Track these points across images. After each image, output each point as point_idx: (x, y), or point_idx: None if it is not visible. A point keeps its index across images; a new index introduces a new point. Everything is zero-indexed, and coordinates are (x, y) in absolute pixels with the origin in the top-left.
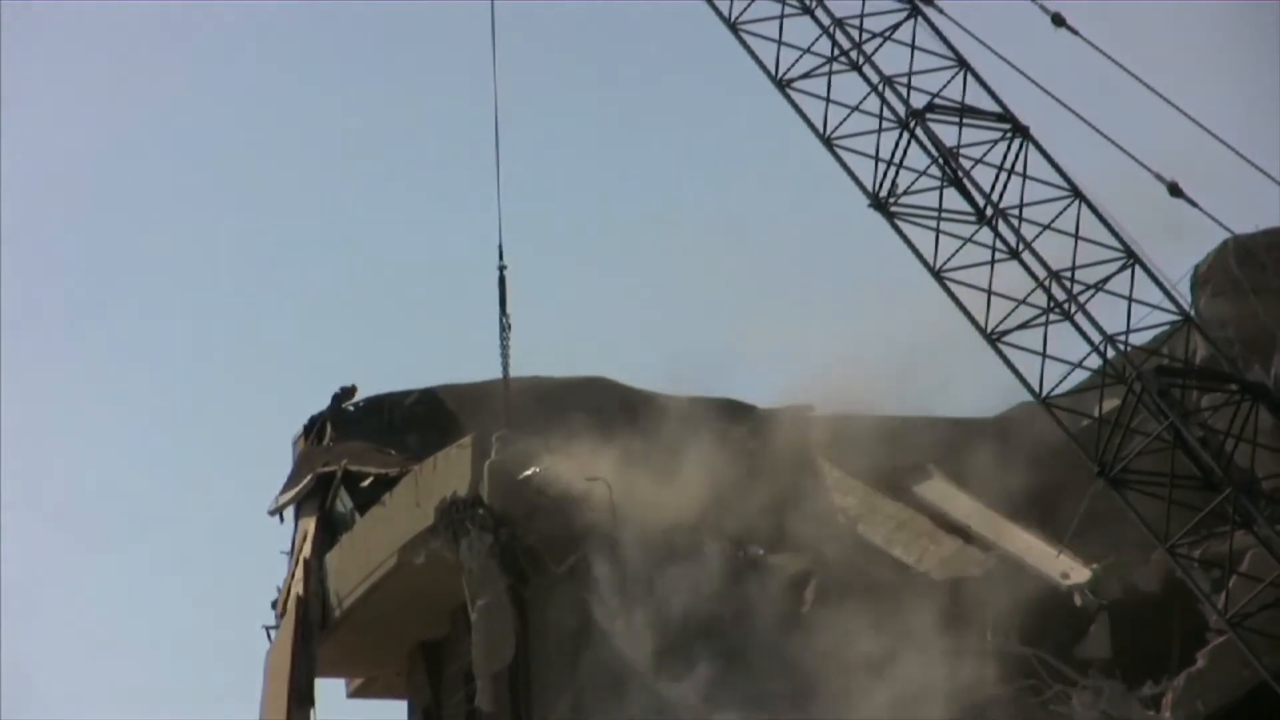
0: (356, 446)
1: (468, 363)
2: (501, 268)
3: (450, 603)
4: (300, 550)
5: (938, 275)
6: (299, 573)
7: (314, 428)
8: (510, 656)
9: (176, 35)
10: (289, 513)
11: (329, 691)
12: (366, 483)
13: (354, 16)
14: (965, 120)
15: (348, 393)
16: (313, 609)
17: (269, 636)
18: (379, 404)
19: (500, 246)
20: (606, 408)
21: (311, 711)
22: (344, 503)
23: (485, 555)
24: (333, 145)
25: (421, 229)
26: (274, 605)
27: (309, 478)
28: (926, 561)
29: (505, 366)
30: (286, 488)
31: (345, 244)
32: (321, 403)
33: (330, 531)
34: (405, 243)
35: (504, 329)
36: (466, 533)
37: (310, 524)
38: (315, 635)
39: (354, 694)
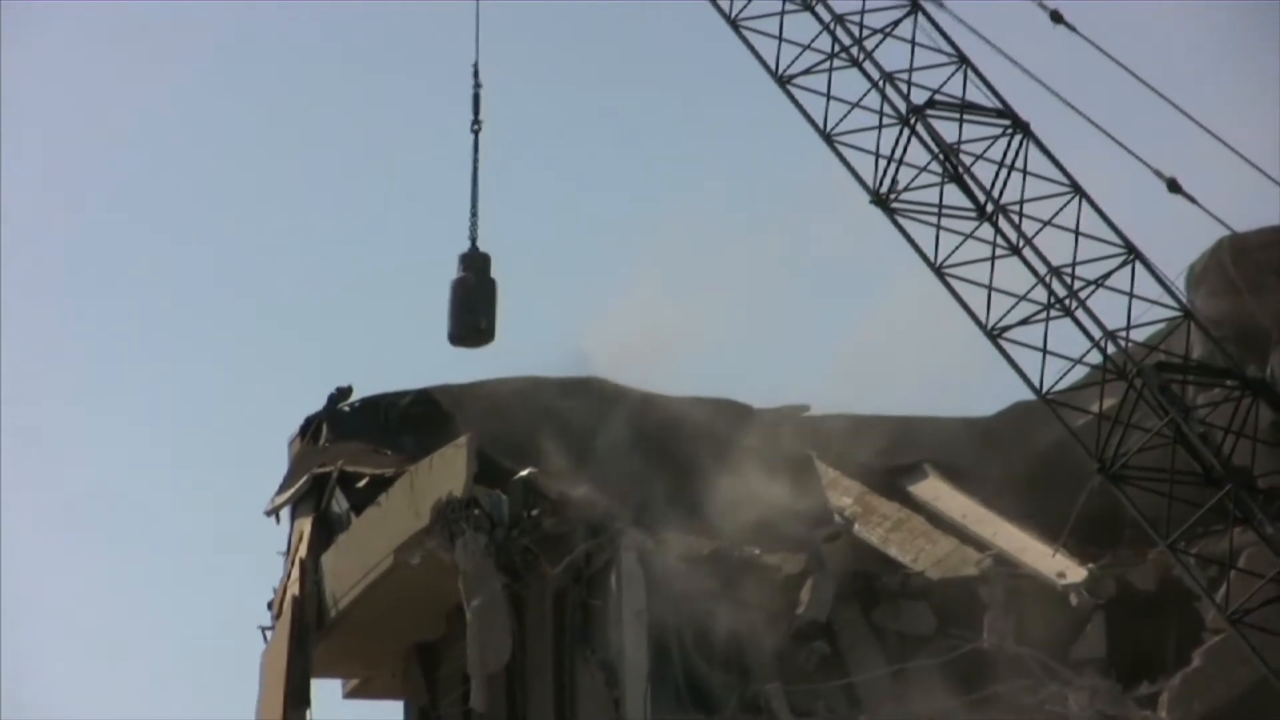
0: (353, 447)
1: (463, 364)
2: (476, 86)
3: (447, 604)
4: (296, 551)
5: (939, 271)
6: (295, 573)
7: (310, 428)
8: (506, 657)
9: (174, 34)
10: (285, 513)
11: (325, 692)
12: (362, 483)
13: (352, 27)
14: (965, 116)
15: (344, 393)
16: (309, 610)
17: (265, 637)
18: (375, 405)
19: (475, 63)
20: (601, 408)
21: (307, 712)
22: (340, 503)
23: (480, 555)
24: (328, 145)
25: (418, 229)
26: (270, 606)
27: (305, 478)
28: (922, 561)
29: (475, 166)
30: (282, 488)
31: (341, 244)
32: (318, 404)
33: (326, 532)
34: (401, 243)
35: (476, 135)
36: (462, 533)
37: (306, 525)
38: (311, 636)
39: (350, 695)
